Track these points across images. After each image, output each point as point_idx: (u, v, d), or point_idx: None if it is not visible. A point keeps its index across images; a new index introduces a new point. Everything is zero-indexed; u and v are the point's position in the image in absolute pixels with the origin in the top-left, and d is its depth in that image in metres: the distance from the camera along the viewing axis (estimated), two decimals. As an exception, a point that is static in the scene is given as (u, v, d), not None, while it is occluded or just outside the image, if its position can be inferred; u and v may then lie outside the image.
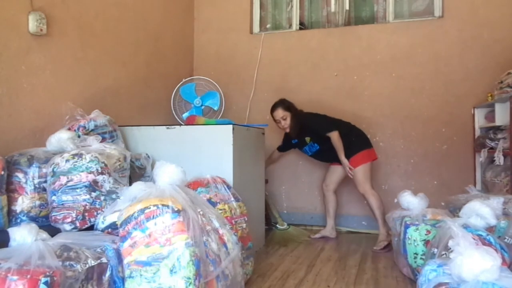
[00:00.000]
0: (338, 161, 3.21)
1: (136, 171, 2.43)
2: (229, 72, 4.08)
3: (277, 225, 3.59)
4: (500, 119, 2.95)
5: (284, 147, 3.57)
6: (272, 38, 4.03)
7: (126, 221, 1.59)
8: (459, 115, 3.48)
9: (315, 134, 3.25)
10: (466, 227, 1.93)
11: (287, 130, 3.29)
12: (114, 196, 1.97)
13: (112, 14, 2.97)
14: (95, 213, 1.91)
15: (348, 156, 3.14)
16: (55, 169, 1.92)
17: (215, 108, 3.64)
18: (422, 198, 2.51)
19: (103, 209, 1.92)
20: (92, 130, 2.33)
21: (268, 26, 4.17)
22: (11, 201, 1.86)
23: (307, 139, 3.31)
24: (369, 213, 3.33)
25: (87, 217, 1.89)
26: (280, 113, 3.25)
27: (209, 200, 2.15)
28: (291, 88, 3.92)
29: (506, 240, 2.00)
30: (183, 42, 4.06)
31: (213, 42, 4.19)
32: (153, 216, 1.56)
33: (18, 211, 1.87)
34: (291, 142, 3.43)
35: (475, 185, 3.28)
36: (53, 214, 1.90)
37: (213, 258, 1.68)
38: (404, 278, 2.38)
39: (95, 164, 1.95)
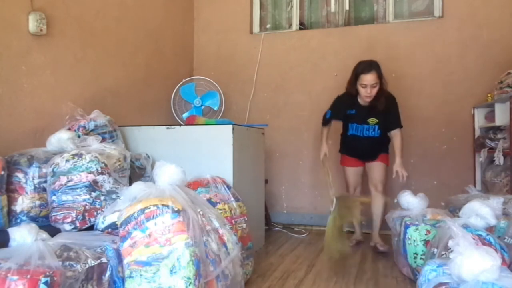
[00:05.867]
0: (374, 159, 2.99)
1: (136, 171, 2.44)
2: (229, 72, 4.08)
3: None
4: (500, 119, 2.95)
5: (334, 117, 3.02)
6: (272, 38, 4.03)
7: (126, 221, 1.59)
8: (459, 115, 3.48)
9: (386, 121, 2.91)
10: (466, 227, 1.93)
11: (368, 100, 2.83)
12: (114, 196, 1.97)
13: (112, 14, 2.97)
14: (95, 213, 1.91)
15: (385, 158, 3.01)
16: (55, 169, 1.92)
17: (215, 108, 3.64)
18: (422, 198, 2.51)
19: (103, 209, 1.92)
20: (92, 130, 2.33)
21: (268, 26, 4.17)
22: (11, 201, 1.86)
23: (373, 120, 2.91)
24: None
25: (87, 217, 1.89)
26: (373, 78, 2.75)
27: (209, 200, 2.15)
28: (291, 88, 3.92)
29: (506, 240, 2.00)
30: (183, 42, 4.06)
31: (213, 42, 4.18)
32: (153, 216, 1.56)
33: (18, 211, 1.87)
34: (346, 112, 2.95)
35: (475, 185, 3.28)
36: (53, 214, 1.90)
37: (213, 258, 1.68)
38: (404, 278, 2.38)
39: (95, 164, 1.95)
